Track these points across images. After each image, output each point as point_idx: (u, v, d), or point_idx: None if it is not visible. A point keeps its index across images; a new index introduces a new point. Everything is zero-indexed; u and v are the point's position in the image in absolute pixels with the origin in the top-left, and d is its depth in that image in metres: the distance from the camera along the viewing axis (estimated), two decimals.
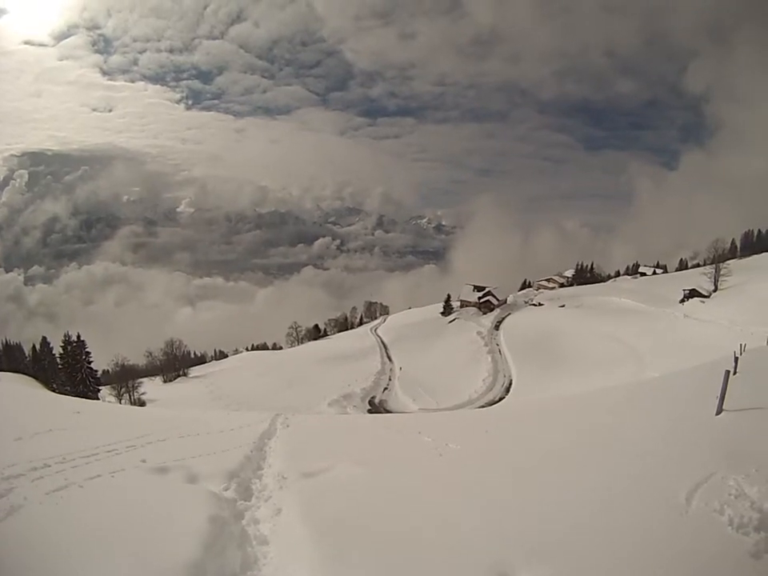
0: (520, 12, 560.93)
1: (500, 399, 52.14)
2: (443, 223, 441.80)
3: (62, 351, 62.65)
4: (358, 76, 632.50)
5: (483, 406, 47.01)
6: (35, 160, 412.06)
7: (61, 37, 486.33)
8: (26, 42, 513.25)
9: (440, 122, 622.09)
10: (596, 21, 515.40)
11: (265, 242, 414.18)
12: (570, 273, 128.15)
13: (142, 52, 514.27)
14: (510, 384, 56.69)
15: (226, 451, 11.00)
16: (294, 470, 8.38)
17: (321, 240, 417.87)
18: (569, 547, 4.74)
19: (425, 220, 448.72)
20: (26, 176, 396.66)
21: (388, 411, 50.31)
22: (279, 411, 25.83)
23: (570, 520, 5.41)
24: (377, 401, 56.75)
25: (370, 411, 51.26)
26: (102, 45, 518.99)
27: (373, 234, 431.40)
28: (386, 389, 61.78)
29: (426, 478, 7.70)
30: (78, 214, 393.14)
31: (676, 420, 9.92)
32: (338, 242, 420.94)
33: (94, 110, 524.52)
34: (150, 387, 73.45)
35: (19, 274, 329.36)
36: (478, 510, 6.03)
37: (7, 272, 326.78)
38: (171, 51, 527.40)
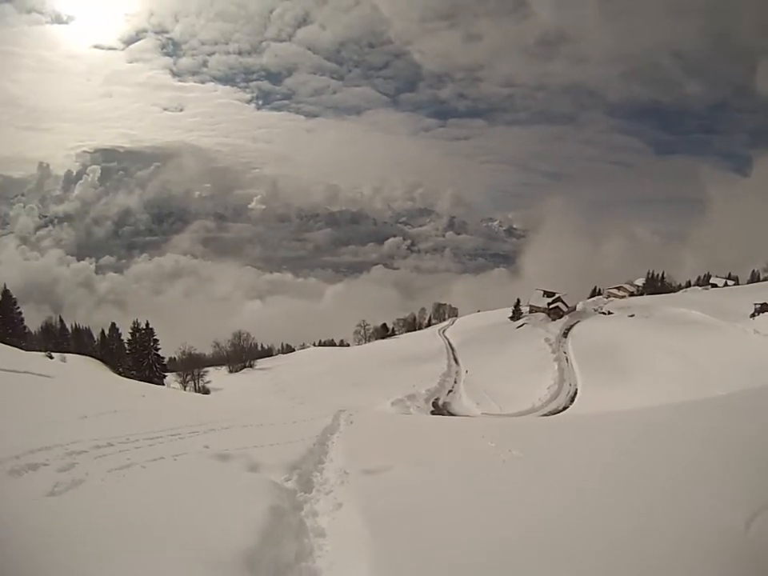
0: (584, 12, 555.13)
1: (564, 408, 51.78)
2: (514, 226, 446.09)
3: (130, 337, 65.43)
4: (427, 77, 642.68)
5: (546, 415, 46.62)
6: (107, 156, 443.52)
7: (129, 41, 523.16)
8: (95, 46, 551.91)
9: (509, 124, 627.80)
10: (661, 20, 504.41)
11: (335, 240, 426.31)
12: (640, 281, 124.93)
13: (210, 54, 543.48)
14: (575, 394, 56.11)
15: (289, 443, 11.09)
16: (355, 466, 8.32)
17: (391, 240, 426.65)
18: (615, 569, 4.48)
19: (496, 223, 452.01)
20: (99, 171, 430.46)
21: (451, 414, 50.37)
22: (343, 407, 25.90)
23: (621, 540, 5.13)
24: (440, 403, 56.96)
25: (433, 413, 51.37)
26: (171, 48, 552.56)
27: (444, 236, 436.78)
28: (450, 391, 62.12)
29: (487, 484, 7.52)
30: (150, 208, 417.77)
31: (739, 442, 9.36)
32: (408, 242, 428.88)
33: (165, 109, 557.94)
34: (216, 376, 75.69)
35: (90, 263, 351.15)
36: (532, 521, 5.79)
37: (78, 260, 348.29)
38: (240, 53, 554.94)
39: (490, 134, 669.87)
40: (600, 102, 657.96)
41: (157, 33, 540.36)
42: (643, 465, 8.21)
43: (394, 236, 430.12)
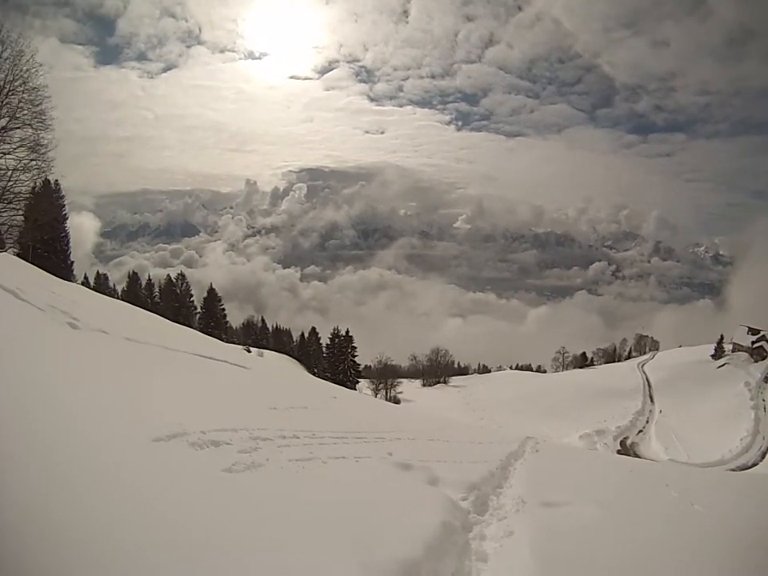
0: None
1: (752, 465, 47.21)
2: (720, 253, 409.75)
3: (329, 342, 69.78)
4: (621, 90, 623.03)
5: (734, 470, 42.70)
6: (313, 175, 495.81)
7: (323, 71, 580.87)
8: (291, 77, 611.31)
9: (710, 137, 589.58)
10: None
11: (540, 263, 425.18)
12: None
13: (404, 79, 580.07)
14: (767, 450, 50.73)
15: (472, 463, 11.15)
16: (534, 497, 8.11)
17: (596, 264, 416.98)
18: None
19: (702, 248, 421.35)
20: (305, 188, 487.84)
21: (637, 455, 48.29)
22: (530, 434, 25.32)
23: None
24: (628, 443, 55.05)
25: (619, 452, 49.30)
26: (365, 75, 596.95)
27: (649, 261, 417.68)
28: (640, 431, 59.59)
29: (665, 536, 6.89)
30: (356, 224, 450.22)
31: None
32: (613, 267, 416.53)
33: (366, 132, 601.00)
34: (408, 388, 77.70)
35: (296, 271, 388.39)
36: None
37: (284, 268, 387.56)
38: (433, 77, 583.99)
39: (692, 148, 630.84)
40: None
41: (349, 62, 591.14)
42: None
43: (599, 260, 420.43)
